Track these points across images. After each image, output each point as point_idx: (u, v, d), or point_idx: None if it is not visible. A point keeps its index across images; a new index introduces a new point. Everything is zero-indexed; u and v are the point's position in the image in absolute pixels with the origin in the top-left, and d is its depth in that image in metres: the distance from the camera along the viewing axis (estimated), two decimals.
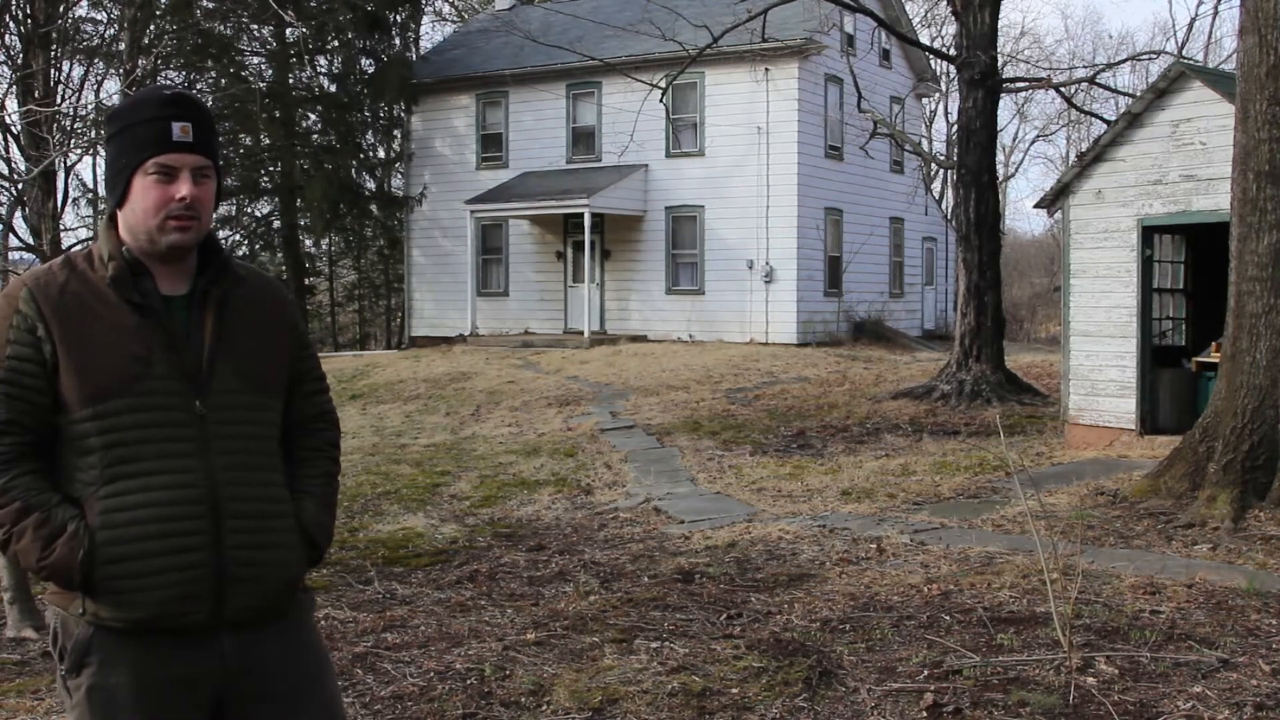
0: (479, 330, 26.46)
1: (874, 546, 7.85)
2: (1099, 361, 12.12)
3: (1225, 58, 33.07)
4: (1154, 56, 26.97)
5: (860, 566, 7.31)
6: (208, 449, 2.32)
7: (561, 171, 25.92)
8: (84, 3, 22.36)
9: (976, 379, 16.13)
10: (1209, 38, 45.29)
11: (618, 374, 19.78)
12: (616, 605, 6.51)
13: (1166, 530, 7.89)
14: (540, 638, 5.85)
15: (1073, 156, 34.73)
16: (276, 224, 30.95)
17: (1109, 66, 24.74)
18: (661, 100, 19.87)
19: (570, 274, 26.24)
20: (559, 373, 20.19)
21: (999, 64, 18.35)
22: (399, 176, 30.32)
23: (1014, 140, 52.57)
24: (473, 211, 25.93)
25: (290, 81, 29.47)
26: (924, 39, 37.26)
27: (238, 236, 30.46)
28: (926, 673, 5.08)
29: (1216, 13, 49.58)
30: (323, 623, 6.19)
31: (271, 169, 30.00)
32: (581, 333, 24.58)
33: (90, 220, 24.29)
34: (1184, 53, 24.32)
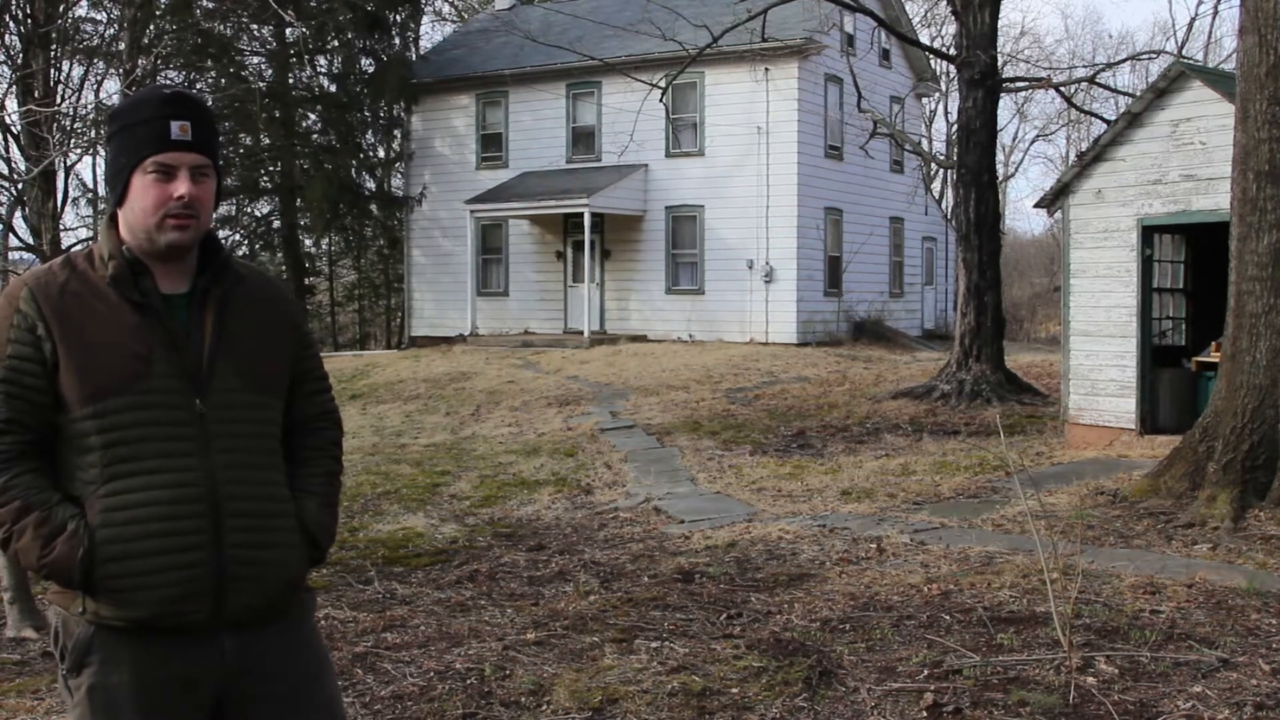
0: (479, 330, 26.47)
1: (874, 546, 7.85)
2: (1099, 361, 12.13)
3: (1225, 58, 33.08)
4: (1154, 56, 26.99)
5: (860, 566, 7.31)
6: (208, 448, 2.32)
7: (561, 171, 25.92)
8: (84, 3, 22.36)
9: (976, 379, 16.13)
10: (1209, 38, 45.30)
11: (618, 374, 19.79)
12: (616, 605, 6.51)
13: (1166, 530, 7.89)
14: (540, 638, 5.85)
15: (1073, 156, 34.72)
16: (276, 224, 30.95)
17: (1109, 66, 24.77)
18: (661, 100, 19.87)
19: (570, 274, 26.24)
20: (559, 373, 20.19)
21: (999, 64, 18.35)
22: (399, 176, 30.32)
23: (1014, 140, 52.61)
24: (473, 211, 25.94)
25: (290, 81, 29.47)
26: (924, 39, 37.27)
27: (238, 236, 30.45)
28: (926, 672, 5.08)
29: (1216, 13, 49.65)
30: (323, 623, 6.19)
31: (271, 169, 30.00)
32: (581, 332, 24.58)
33: (90, 220, 24.29)
34: (1184, 53, 24.34)
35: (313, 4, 27.40)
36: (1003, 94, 19.83)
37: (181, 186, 2.33)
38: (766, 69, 23.54)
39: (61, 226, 17.59)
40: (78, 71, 23.17)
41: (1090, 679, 4.88)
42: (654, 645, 5.65)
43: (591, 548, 8.39)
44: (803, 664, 5.22)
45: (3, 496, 2.26)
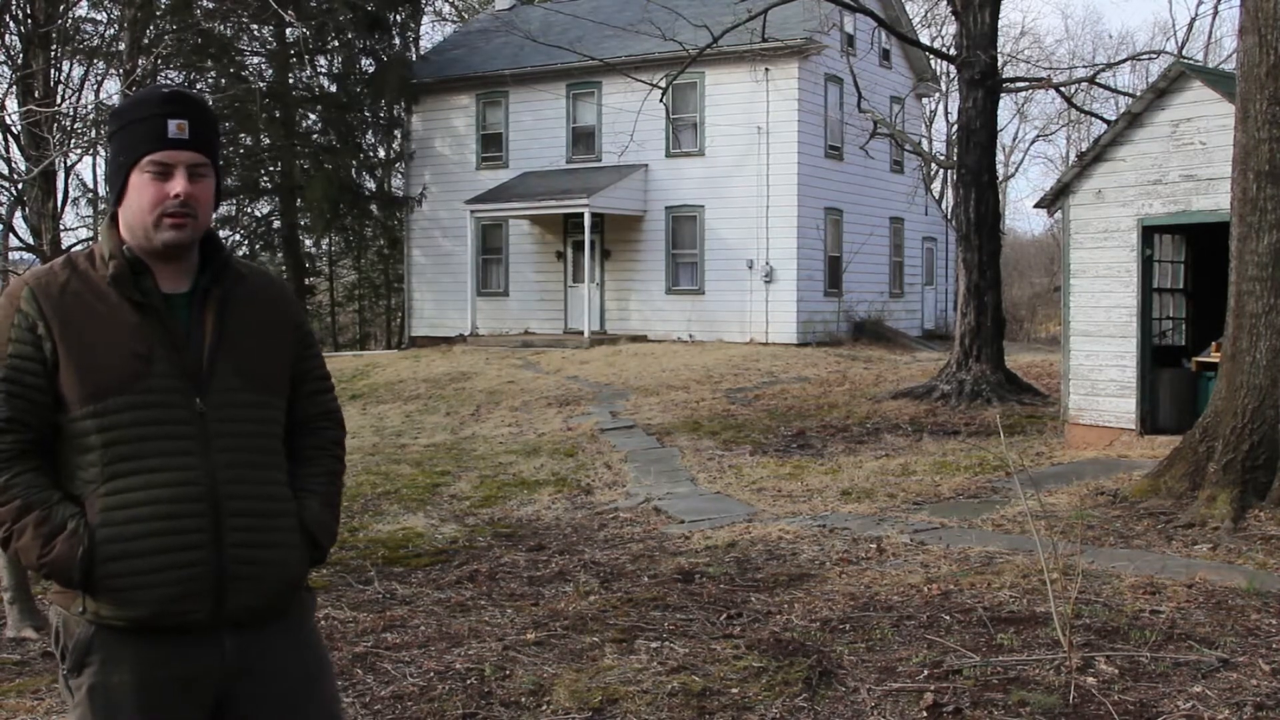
0: (479, 330, 26.47)
1: (874, 546, 7.85)
2: (1099, 361, 12.13)
3: (1225, 58, 33.08)
4: (1154, 56, 26.98)
5: (860, 566, 7.31)
6: (208, 447, 2.32)
7: (561, 171, 25.92)
8: (84, 3, 22.36)
9: (976, 379, 16.13)
10: (1209, 38, 45.29)
11: (618, 374, 19.79)
12: (616, 605, 6.51)
13: (1166, 530, 7.89)
14: (540, 638, 5.85)
15: (1073, 156, 34.73)
16: (276, 224, 30.95)
17: (1109, 66, 24.76)
18: (661, 100, 19.88)
19: (570, 274, 26.24)
20: (559, 373, 20.19)
21: (999, 64, 18.35)
22: (399, 176, 30.32)
23: (1014, 140, 52.61)
24: (473, 211, 25.94)
25: (290, 81, 29.46)
26: (924, 39, 37.28)
27: (238, 236, 30.45)
28: (926, 673, 5.08)
29: (1216, 13, 49.62)
30: (323, 623, 6.19)
31: (271, 169, 29.99)
32: (581, 333, 24.58)
33: (90, 220, 24.29)
34: (1184, 53, 24.34)
35: (313, 4, 27.40)
36: (1003, 94, 19.83)
37: (178, 185, 2.33)
38: (766, 69, 23.54)
39: (61, 226, 17.59)
40: (78, 71, 23.17)
41: (1090, 679, 4.88)
42: (654, 645, 5.65)
43: (591, 548, 8.39)
44: (803, 664, 5.22)
45: (3, 495, 2.27)
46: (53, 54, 18.79)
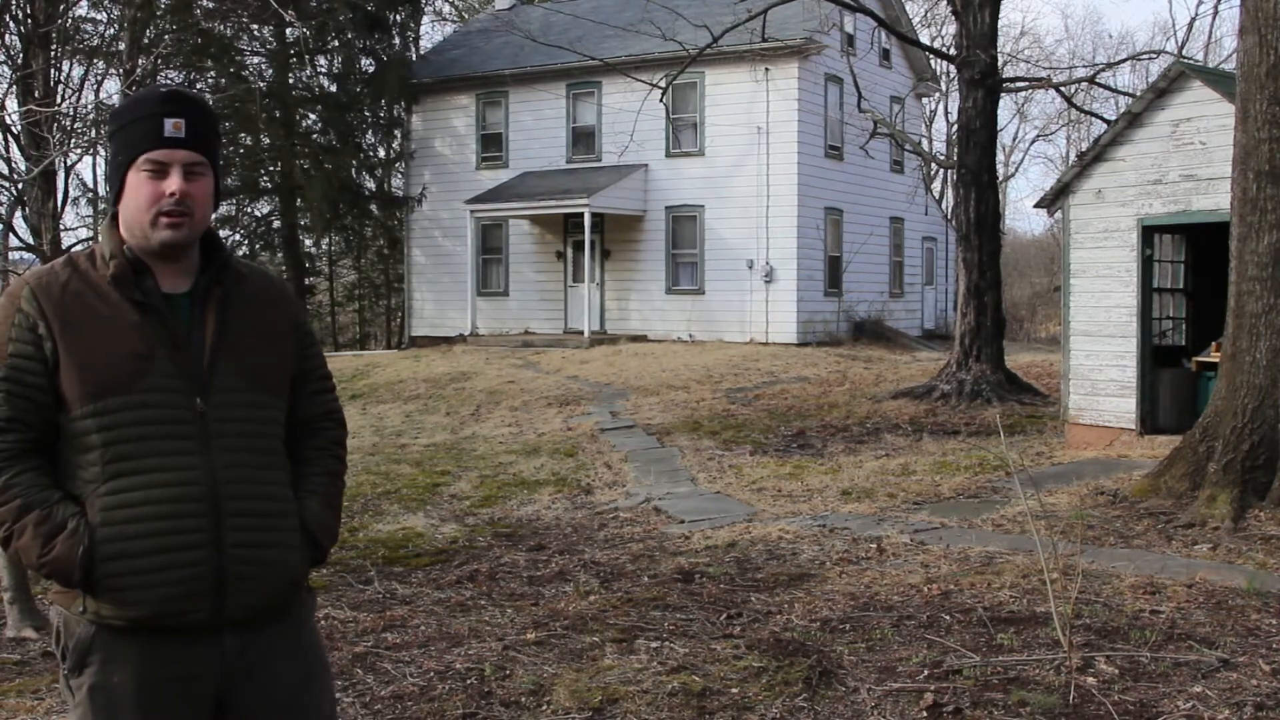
0: (479, 330, 26.47)
1: (874, 546, 7.85)
2: (1099, 361, 12.13)
3: (1225, 58, 33.07)
4: (1154, 56, 26.99)
5: (860, 566, 7.31)
6: (209, 447, 2.32)
7: (561, 171, 25.92)
8: (84, 3, 22.37)
9: (976, 379, 16.13)
10: (1209, 38, 45.31)
11: (618, 374, 19.79)
12: (616, 605, 6.51)
13: (1166, 530, 7.89)
14: (540, 638, 5.85)
15: (1073, 156, 34.72)
16: (276, 224, 30.94)
17: (1109, 66, 24.78)
18: (661, 100, 19.88)
19: (570, 274, 26.24)
20: (559, 373, 20.19)
21: (999, 64, 18.35)
22: (399, 176, 30.32)
23: (1014, 140, 52.61)
24: (473, 211, 25.94)
25: (290, 81, 29.45)
26: (924, 39, 37.27)
27: (238, 236, 30.45)
28: (926, 673, 5.08)
29: (1216, 13, 49.63)
30: (323, 623, 6.19)
31: (271, 169, 29.98)
32: (581, 332, 24.58)
33: (90, 220, 24.29)
34: (1184, 53, 24.32)
35: (313, 4, 27.39)
36: (1003, 94, 19.83)
37: (173, 183, 2.33)
38: (766, 69, 23.54)
39: (61, 226, 17.60)
40: (78, 71, 23.20)
41: (1090, 679, 4.88)
42: (654, 645, 5.65)
43: (591, 548, 8.39)
44: (803, 664, 5.22)
45: (3, 495, 2.27)
46: (53, 54, 18.80)
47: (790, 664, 5.24)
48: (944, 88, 37.03)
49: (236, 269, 2.47)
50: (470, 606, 6.65)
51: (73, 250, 2.75)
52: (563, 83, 26.05)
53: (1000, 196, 24.81)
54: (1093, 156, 12.13)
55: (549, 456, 13.02)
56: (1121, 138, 11.84)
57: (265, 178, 30.32)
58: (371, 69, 29.55)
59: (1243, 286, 8.32)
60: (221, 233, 28.55)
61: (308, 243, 33.36)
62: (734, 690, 4.94)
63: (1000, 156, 39.72)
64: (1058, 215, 15.43)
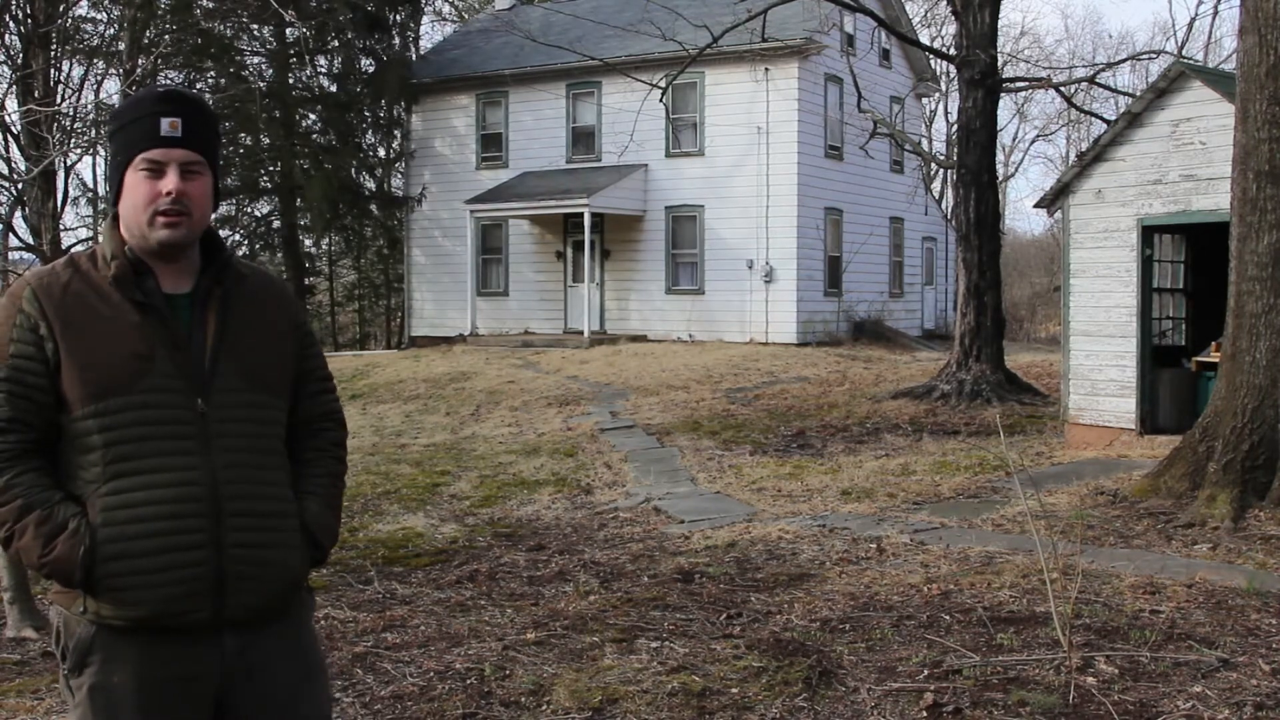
0: (479, 330, 26.47)
1: (874, 546, 7.86)
2: (1099, 361, 12.13)
3: (1225, 58, 33.07)
4: (1154, 56, 26.98)
5: (860, 566, 7.31)
6: (209, 447, 2.32)
7: (561, 171, 25.93)
8: (84, 3, 22.37)
9: (976, 379, 16.13)
10: (1209, 38, 45.33)
11: (618, 374, 19.79)
12: (616, 605, 6.51)
13: (1166, 530, 7.89)
14: (540, 637, 5.85)
15: (1073, 156, 34.72)
16: (276, 224, 30.94)
17: (1109, 66, 24.77)
18: (661, 100, 19.87)
19: (570, 274, 26.24)
20: (559, 373, 20.19)
21: (999, 64, 18.35)
22: (399, 176, 30.32)
23: (1014, 140, 52.60)
24: (473, 211, 25.94)
25: (290, 81, 29.46)
26: (924, 39, 37.28)
27: (238, 236, 30.45)
28: (926, 672, 5.08)
29: (1216, 13, 49.62)
30: (323, 623, 6.19)
31: (271, 169, 29.99)
32: (581, 332, 24.58)
33: (90, 220, 24.30)
34: (1184, 53, 24.32)
35: (313, 4, 27.39)
36: (1003, 94, 19.83)
37: (170, 182, 2.33)
38: (766, 69, 23.54)
39: (61, 226, 17.60)
40: (78, 71, 23.21)
41: (1090, 679, 4.88)
42: (654, 645, 5.65)
43: (591, 548, 8.39)
44: (803, 664, 5.22)
45: (4, 495, 2.27)
46: (53, 54, 18.80)
47: (790, 664, 5.24)
48: (944, 88, 37.03)
49: (237, 269, 2.48)
50: (470, 606, 6.65)
51: (74, 251, 2.75)
52: (563, 83, 26.05)
53: (1000, 196, 24.82)
54: (1093, 156, 12.13)
55: (549, 456, 13.02)
56: (1121, 138, 11.84)
57: (265, 178, 30.32)
58: (371, 69, 29.55)
59: (1243, 286, 8.32)
60: (221, 233, 28.54)
61: (308, 243, 33.37)
62: (734, 690, 4.94)
63: (1000, 156, 39.74)
64: (1058, 215, 15.43)
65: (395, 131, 30.33)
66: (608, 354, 22.21)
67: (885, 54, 27.62)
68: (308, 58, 28.13)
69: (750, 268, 24.09)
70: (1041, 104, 50.46)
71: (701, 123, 24.66)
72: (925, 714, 4.59)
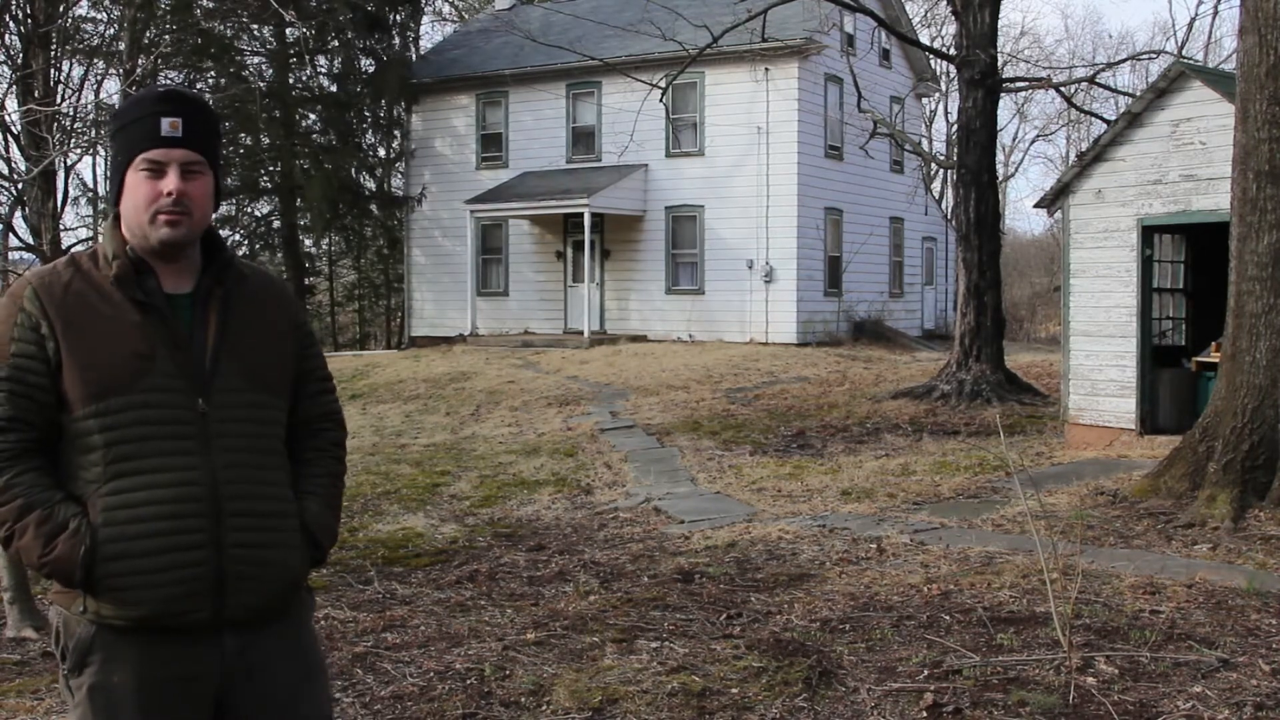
0: (479, 330, 26.47)
1: (874, 546, 7.86)
2: (1099, 361, 12.13)
3: (1225, 58, 33.07)
4: (1154, 56, 26.98)
5: (860, 566, 7.31)
6: (209, 447, 2.32)
7: (561, 171, 25.93)
8: (84, 3, 22.37)
9: (976, 379, 16.13)
10: (1209, 38, 45.32)
11: (618, 374, 19.79)
12: (616, 605, 6.51)
13: (1166, 530, 7.89)
14: (540, 638, 5.85)
15: (1073, 156, 34.72)
16: (276, 224, 30.95)
17: (1109, 66, 24.77)
18: (661, 100, 19.87)
19: (570, 274, 26.24)
20: (559, 373, 20.19)
21: (999, 64, 18.35)
22: (399, 176, 30.32)
23: (1014, 140, 52.60)
24: (473, 211, 25.94)
25: (290, 81, 29.46)
26: (924, 39, 37.28)
27: (238, 236, 30.46)
28: (926, 673, 5.08)
29: (1216, 13, 49.62)
30: (323, 623, 6.19)
31: (271, 169, 29.99)
32: (581, 332, 24.59)
33: (90, 220, 24.30)
34: (1184, 53, 24.33)
35: (313, 4, 27.40)
36: (1003, 94, 19.83)
37: (170, 182, 2.34)
38: (766, 69, 23.54)
39: (61, 226, 17.60)
40: (78, 71, 23.20)
41: (1090, 679, 4.88)
42: (654, 645, 5.65)
43: (591, 548, 8.39)
44: (803, 664, 5.22)
45: (5, 494, 2.27)
46: (53, 54, 18.79)
47: (790, 664, 5.24)
48: (944, 88, 37.03)
49: (238, 269, 2.48)
50: (470, 606, 6.65)
51: (74, 250, 2.76)
52: (563, 83, 26.05)
53: (1000, 196, 24.82)
54: (1093, 156, 12.13)
55: (549, 456, 13.02)
56: (1121, 138, 11.84)
57: (265, 178, 30.33)
58: (371, 69, 29.55)
59: (1243, 286, 8.33)
60: (221, 233, 28.60)
61: (308, 243, 33.37)
62: (734, 690, 4.94)
63: (1000, 156, 39.74)
64: (1058, 215, 15.43)
65: (395, 131, 30.33)
66: (608, 354, 22.21)
67: (885, 54, 27.62)
68: (308, 58, 28.13)
69: (750, 268, 24.09)
70: (1041, 104, 50.51)
71: (701, 123, 24.66)
72: (925, 714, 4.59)
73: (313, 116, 30.47)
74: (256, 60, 30.13)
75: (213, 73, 28.17)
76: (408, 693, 5.04)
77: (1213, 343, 11.57)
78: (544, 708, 4.81)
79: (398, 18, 30.45)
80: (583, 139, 26.27)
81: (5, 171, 17.87)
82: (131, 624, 2.28)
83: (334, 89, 30.09)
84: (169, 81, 25.89)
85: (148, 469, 2.28)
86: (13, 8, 18.06)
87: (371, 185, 30.71)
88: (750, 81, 23.94)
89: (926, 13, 41.24)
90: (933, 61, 30.24)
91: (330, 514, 2.56)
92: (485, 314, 26.78)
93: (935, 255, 30.44)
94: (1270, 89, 8.17)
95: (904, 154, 27.12)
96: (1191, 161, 11.24)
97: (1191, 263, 13.12)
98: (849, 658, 5.34)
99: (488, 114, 27.59)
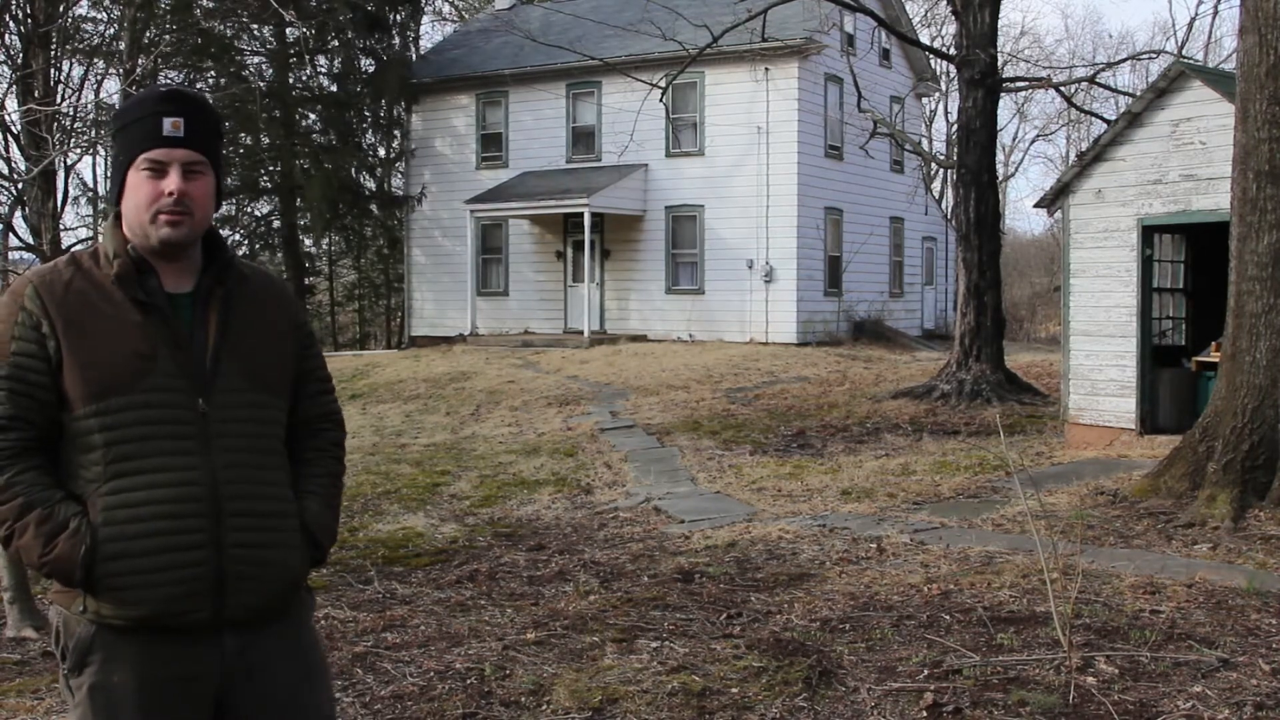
0: (479, 330, 26.47)
1: (874, 546, 7.86)
2: (1099, 361, 12.13)
3: (1225, 58, 33.08)
4: (1154, 56, 26.98)
5: (860, 566, 7.31)
6: (209, 447, 2.32)
7: (561, 171, 25.93)
8: (84, 3, 22.37)
9: (976, 379, 16.13)
10: (1209, 38, 45.34)
11: (618, 374, 19.79)
12: (616, 605, 6.51)
13: (1166, 530, 7.89)
14: (540, 637, 5.86)
15: (1073, 156, 34.73)
16: (276, 224, 30.95)
17: (1109, 66, 24.78)
18: (661, 100, 19.88)
19: (570, 274, 26.24)
20: (559, 372, 20.19)
21: (999, 63, 18.35)
22: (399, 176, 30.31)
23: (1014, 140, 52.61)
24: (473, 211, 25.94)
25: (290, 81, 29.45)
26: (924, 39, 37.27)
27: (238, 236, 30.45)
28: (926, 672, 5.08)
29: (1216, 13, 49.65)
30: (323, 623, 6.19)
31: (271, 169, 29.99)
32: (581, 332, 24.59)
33: (90, 220, 24.30)
34: (1184, 52, 24.33)
35: (313, 4, 27.39)
36: (1003, 94, 19.84)
37: (172, 182, 2.34)
38: (766, 69, 23.54)
39: (61, 226, 17.60)
40: (78, 71, 23.21)
41: (1090, 679, 4.88)
42: (654, 645, 5.65)
43: (591, 547, 8.39)
44: (803, 664, 5.22)
45: (5, 494, 2.27)
46: (53, 54, 18.79)
47: (790, 664, 5.24)
48: (944, 88, 37.03)
49: (239, 269, 2.48)
50: (470, 606, 6.65)
51: (76, 249, 2.76)
52: (563, 83, 26.05)
53: (1000, 196, 24.81)
54: (1093, 156, 12.13)
55: (549, 456, 13.02)
56: (1121, 138, 11.84)
57: (265, 178, 30.33)
58: (371, 69, 29.55)
59: (1243, 286, 8.33)
60: (221, 232, 28.59)
61: (308, 243, 33.37)
62: (734, 690, 4.94)
63: (1000, 156, 39.74)
64: (1058, 215, 15.43)
65: (395, 131, 30.33)
66: (608, 354, 22.21)
67: (885, 54, 27.62)
68: (308, 57, 28.13)
69: (750, 268, 24.09)
70: (1041, 104, 50.51)
71: (701, 123, 24.66)
72: (925, 714, 4.59)
73: (313, 116, 30.47)
74: (256, 60, 30.13)
75: (213, 73, 28.17)
76: (408, 692, 5.04)
77: (1213, 342, 11.57)
78: (544, 707, 4.81)
79: (398, 18, 30.45)
80: (583, 139, 26.27)
81: (5, 171, 17.87)
82: (131, 624, 2.28)
83: (334, 89, 30.09)
84: (169, 81, 25.87)
85: (148, 469, 2.28)
86: (13, 8, 18.06)
87: (371, 185, 30.71)
88: (750, 81, 23.94)
89: (926, 13, 41.27)
90: (933, 61, 30.23)
91: (330, 514, 2.56)
92: (485, 314, 26.78)
93: (935, 255, 30.44)
94: (1270, 89, 8.17)
95: (904, 154, 27.12)
96: (1191, 161, 11.24)
97: (1191, 263, 13.12)
98: (849, 657, 5.34)
99: (488, 114, 27.59)
